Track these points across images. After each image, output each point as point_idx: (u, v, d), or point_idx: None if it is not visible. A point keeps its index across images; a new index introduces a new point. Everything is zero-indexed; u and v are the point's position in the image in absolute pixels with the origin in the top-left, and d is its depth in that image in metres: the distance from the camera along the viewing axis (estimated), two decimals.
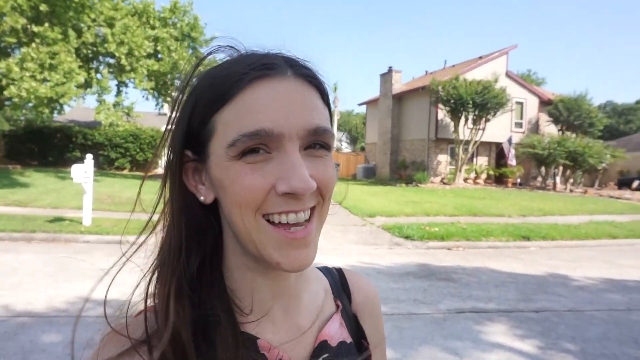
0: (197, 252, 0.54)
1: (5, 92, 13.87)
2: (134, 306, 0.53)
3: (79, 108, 32.55)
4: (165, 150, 0.55)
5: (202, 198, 0.54)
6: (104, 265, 0.52)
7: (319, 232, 0.53)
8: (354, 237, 9.42)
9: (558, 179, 23.58)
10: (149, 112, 23.16)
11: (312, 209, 0.51)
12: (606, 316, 4.95)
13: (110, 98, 18.84)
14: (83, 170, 8.43)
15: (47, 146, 22.04)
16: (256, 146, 0.48)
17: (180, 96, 0.54)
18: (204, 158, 0.52)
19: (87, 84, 17.66)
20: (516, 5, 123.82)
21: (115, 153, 23.18)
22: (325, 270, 0.71)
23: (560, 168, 23.10)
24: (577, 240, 10.09)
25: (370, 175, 26.59)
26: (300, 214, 0.49)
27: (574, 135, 23.70)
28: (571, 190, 22.61)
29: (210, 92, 0.50)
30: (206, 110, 0.50)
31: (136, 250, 0.54)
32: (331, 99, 0.56)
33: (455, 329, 4.36)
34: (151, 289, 0.53)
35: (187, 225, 0.54)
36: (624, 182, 26.30)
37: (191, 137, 0.52)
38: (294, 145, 0.48)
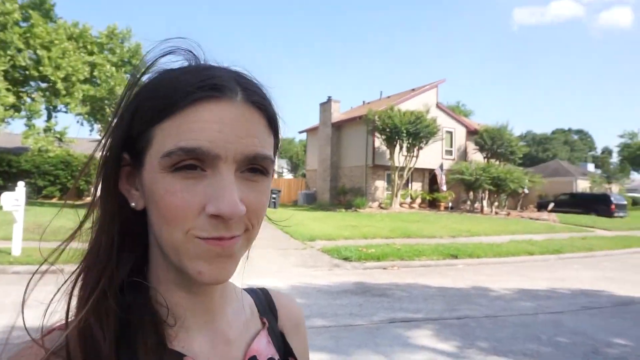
0: (127, 258, 0.53)
1: None
2: (53, 318, 0.50)
3: (1, 133, 30.59)
4: (101, 153, 0.53)
5: (133, 204, 0.52)
6: (36, 295, 0.50)
7: (243, 249, 0.52)
8: (295, 260, 9.71)
9: (485, 203, 25.36)
10: (81, 138, 22.31)
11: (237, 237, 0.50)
12: (517, 320, 5.63)
13: (40, 123, 18.01)
14: (14, 198, 8.15)
15: None
16: (191, 162, 0.47)
17: (127, 95, 0.52)
18: (139, 166, 0.51)
19: (15, 108, 16.90)
20: (447, 41, 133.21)
21: (44, 181, 22.00)
22: (250, 291, 0.70)
23: (487, 192, 24.90)
24: (499, 257, 11.03)
25: (311, 201, 27.10)
26: (226, 238, 0.48)
27: (497, 162, 25.77)
28: (496, 213, 24.39)
29: (153, 101, 0.49)
30: (147, 118, 0.49)
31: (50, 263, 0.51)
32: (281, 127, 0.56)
33: (386, 337, 4.79)
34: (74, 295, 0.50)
35: (118, 230, 0.52)
36: (542, 205, 28.76)
37: (130, 141, 0.51)
38: (230, 167, 0.48)
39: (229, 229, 0.48)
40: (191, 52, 0.53)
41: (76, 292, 0.50)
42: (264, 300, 0.69)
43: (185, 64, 0.53)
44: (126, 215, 0.53)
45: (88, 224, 0.53)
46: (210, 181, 0.47)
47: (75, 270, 0.51)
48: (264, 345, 0.61)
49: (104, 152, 0.52)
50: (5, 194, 8.17)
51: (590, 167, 44.75)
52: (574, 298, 7.05)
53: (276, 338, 0.65)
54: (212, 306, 0.57)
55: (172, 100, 0.47)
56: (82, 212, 0.53)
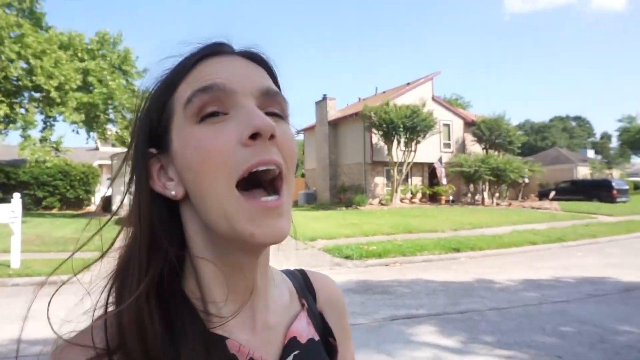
0: (164, 256, 0.52)
1: None
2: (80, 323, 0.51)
3: None
4: (129, 154, 0.55)
5: (172, 192, 0.52)
6: (35, 306, 0.51)
7: (290, 205, 0.53)
8: (295, 260, 9.62)
9: (485, 194, 25.27)
10: (79, 148, 22.25)
11: (279, 180, 0.50)
12: (521, 311, 5.55)
13: (36, 133, 17.88)
14: (10, 210, 8.09)
15: None
16: (213, 108, 0.49)
17: (143, 105, 0.55)
18: (168, 145, 0.52)
19: (9, 119, 16.81)
20: (441, 34, 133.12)
21: (43, 192, 21.96)
22: (288, 273, 0.70)
23: (487, 184, 24.81)
24: (501, 248, 10.95)
25: (312, 201, 27.02)
26: (271, 166, 0.49)
27: (496, 153, 25.66)
28: (497, 204, 24.31)
29: (164, 80, 0.53)
30: (162, 96, 0.52)
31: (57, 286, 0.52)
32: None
33: (389, 334, 4.72)
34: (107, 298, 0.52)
35: (155, 229, 0.52)
36: (543, 194, 28.67)
37: (153, 132, 0.53)
38: (250, 100, 0.50)
39: (268, 152, 0.49)
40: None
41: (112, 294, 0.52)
42: (301, 281, 0.70)
43: None
44: (162, 215, 0.53)
45: (105, 232, 0.55)
46: (236, 115, 0.49)
47: (115, 265, 0.53)
48: (303, 326, 0.61)
49: (131, 152, 0.54)
50: (1, 206, 8.10)
51: (590, 153, 44.61)
52: (578, 286, 6.98)
53: (315, 319, 0.65)
54: (255, 288, 0.57)
55: (178, 68, 0.52)
56: (85, 221, 0.57)
